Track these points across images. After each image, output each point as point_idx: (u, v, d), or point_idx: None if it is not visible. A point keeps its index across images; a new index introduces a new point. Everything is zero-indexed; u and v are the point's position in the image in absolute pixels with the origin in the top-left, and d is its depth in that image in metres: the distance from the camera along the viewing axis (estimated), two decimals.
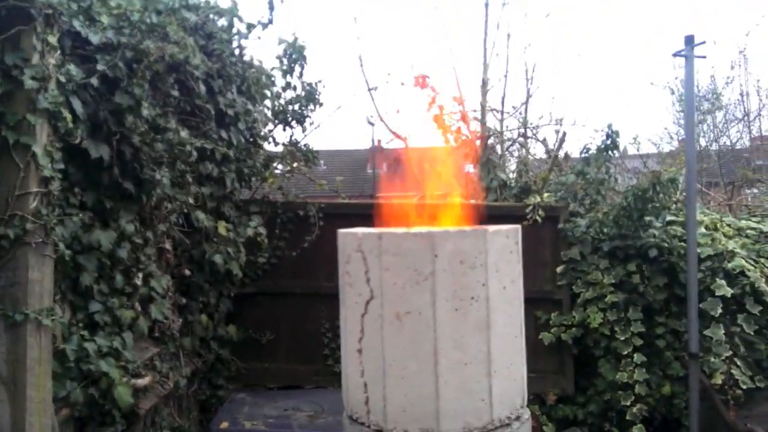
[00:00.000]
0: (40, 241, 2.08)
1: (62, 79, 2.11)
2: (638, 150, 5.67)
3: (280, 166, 5.15)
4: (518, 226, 1.41)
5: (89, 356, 2.61)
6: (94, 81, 2.33)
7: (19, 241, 2.01)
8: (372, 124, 6.30)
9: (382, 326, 1.28)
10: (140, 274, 3.17)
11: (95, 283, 2.76)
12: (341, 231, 1.40)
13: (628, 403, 4.41)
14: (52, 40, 2.04)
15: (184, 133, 2.85)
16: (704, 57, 4.17)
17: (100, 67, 2.36)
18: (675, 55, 4.20)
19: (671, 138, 12.40)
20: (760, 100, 10.74)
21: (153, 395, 3.34)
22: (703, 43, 4.07)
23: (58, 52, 2.11)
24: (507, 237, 1.32)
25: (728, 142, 11.90)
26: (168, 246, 3.68)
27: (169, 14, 3.36)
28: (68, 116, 2.12)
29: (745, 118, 11.59)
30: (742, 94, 10.66)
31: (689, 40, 4.16)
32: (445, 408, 1.25)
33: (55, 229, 2.14)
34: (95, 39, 2.38)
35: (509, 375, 1.32)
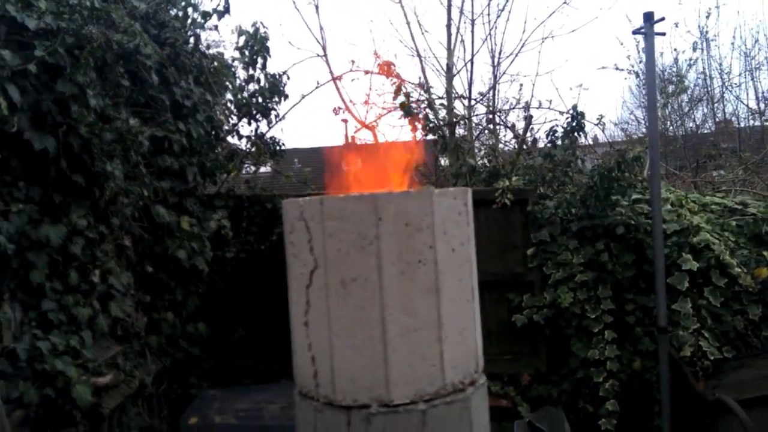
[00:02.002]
0: None
1: None
2: (603, 131, 5.71)
3: (246, 162, 5.06)
4: (468, 188, 1.37)
5: (43, 355, 2.51)
6: (32, 68, 2.23)
7: None
8: (343, 120, 6.24)
9: (327, 295, 1.23)
10: (97, 271, 3.06)
11: (47, 280, 2.65)
12: (285, 201, 1.35)
13: (601, 380, 4.44)
14: None
15: (133, 121, 2.75)
16: (663, 34, 4.21)
17: (38, 53, 2.25)
18: (634, 32, 4.23)
19: (639, 123, 12.60)
20: (723, 83, 10.93)
21: (118, 394, 3.24)
22: (663, 19, 4.10)
23: None
24: (455, 198, 1.28)
25: (693, 126, 12.10)
26: (127, 242, 3.58)
27: (117, 2, 3.25)
28: (3, 103, 2.02)
29: (709, 101, 11.81)
30: (705, 78, 10.83)
31: (648, 17, 4.18)
32: (395, 375, 1.20)
33: None
34: (32, 24, 2.27)
35: (462, 340, 1.28)
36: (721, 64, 10.90)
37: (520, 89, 8.40)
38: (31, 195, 2.53)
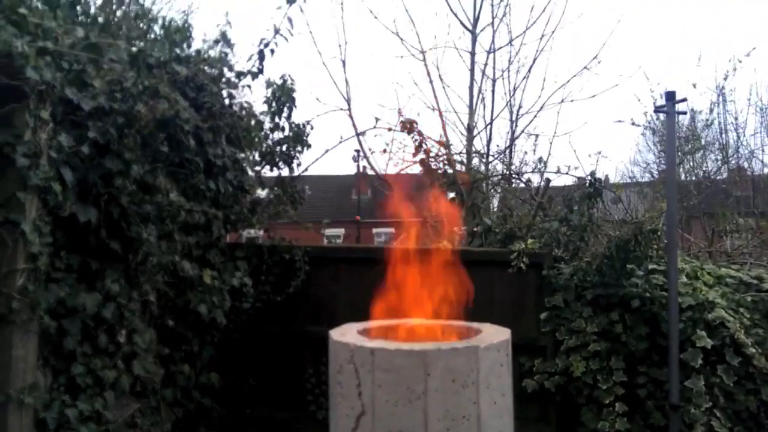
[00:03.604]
0: (26, 318, 2.05)
1: (53, 154, 2.11)
2: (620, 200, 5.77)
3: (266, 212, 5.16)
4: (508, 336, 1.43)
5: (70, 422, 2.56)
6: (86, 149, 2.33)
7: (4, 320, 1.98)
8: (364, 160, 6.40)
9: None
10: (123, 331, 3.13)
11: (78, 345, 2.72)
12: (334, 338, 1.40)
13: None
14: (45, 115, 2.04)
15: (173, 195, 2.85)
16: (685, 113, 4.31)
17: (91, 134, 2.36)
18: (656, 110, 4.33)
19: (651, 172, 12.68)
20: (738, 137, 11.03)
21: None
22: (684, 100, 4.20)
23: (50, 125, 2.11)
24: (498, 351, 1.35)
25: (705, 173, 12.09)
26: (152, 298, 3.64)
27: (160, 68, 3.39)
28: (58, 189, 2.11)
29: (724, 153, 11.89)
30: (720, 132, 10.93)
31: (670, 96, 4.29)
32: None
33: (42, 304, 2.11)
34: (87, 106, 2.38)
35: None
36: (736, 119, 11.02)
37: (536, 141, 8.43)
38: (71, 263, 2.62)
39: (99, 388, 2.87)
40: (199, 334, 4.29)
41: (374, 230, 26.04)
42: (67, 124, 2.43)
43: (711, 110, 8.36)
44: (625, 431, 4.40)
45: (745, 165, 12.19)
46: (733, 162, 12.31)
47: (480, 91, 6.29)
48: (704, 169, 11.87)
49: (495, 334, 1.43)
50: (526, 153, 7.13)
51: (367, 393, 1.28)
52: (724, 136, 11.41)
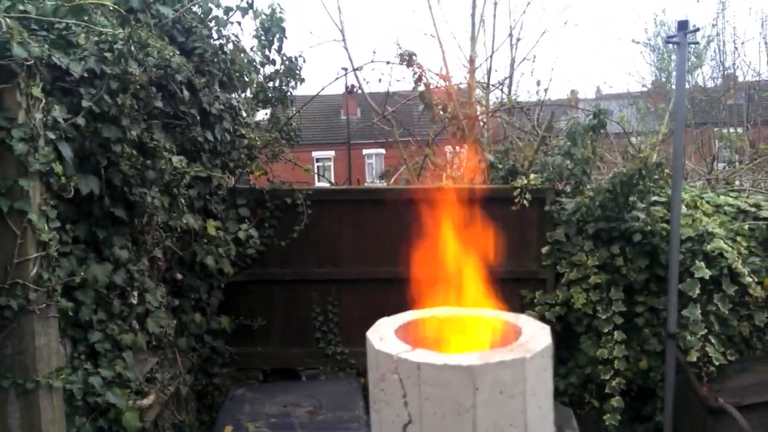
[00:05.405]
0: (44, 306, 2.01)
1: (51, 135, 1.97)
2: (625, 132, 5.64)
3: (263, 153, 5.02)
4: (550, 339, 1.43)
5: (95, 389, 2.61)
6: (81, 120, 2.19)
7: (24, 310, 1.95)
8: (352, 92, 6.19)
9: None
10: (135, 293, 3.12)
11: (93, 313, 2.71)
12: (373, 346, 1.38)
13: (608, 377, 4.64)
14: (37, 92, 1.89)
15: (176, 159, 2.72)
16: (697, 43, 4.13)
17: (85, 103, 2.21)
18: (667, 41, 4.15)
19: (642, 78, 12.50)
20: (736, 48, 10.77)
21: (156, 404, 3.38)
22: (697, 29, 4.02)
23: (43, 102, 1.96)
24: (542, 357, 1.34)
25: (701, 82, 11.86)
26: (159, 254, 3.61)
27: (144, 11, 3.13)
28: (59, 170, 2.00)
29: (720, 63, 11.67)
30: (718, 44, 10.65)
31: (682, 26, 4.10)
32: None
33: (58, 290, 2.06)
34: (78, 69, 2.21)
35: None
36: (735, 28, 10.74)
37: (534, 60, 8.01)
38: (78, 234, 2.55)
39: (118, 351, 2.90)
40: (206, 281, 4.31)
41: (364, 151, 25.59)
42: (58, 93, 2.26)
43: (714, 25, 8.05)
44: (623, 357, 4.61)
45: (739, 74, 11.97)
46: (729, 71, 12.06)
47: (482, 17, 5.96)
48: (696, 81, 11.65)
49: (537, 338, 1.43)
50: (522, 74, 6.86)
51: (413, 404, 1.29)
52: (722, 49, 11.12)
